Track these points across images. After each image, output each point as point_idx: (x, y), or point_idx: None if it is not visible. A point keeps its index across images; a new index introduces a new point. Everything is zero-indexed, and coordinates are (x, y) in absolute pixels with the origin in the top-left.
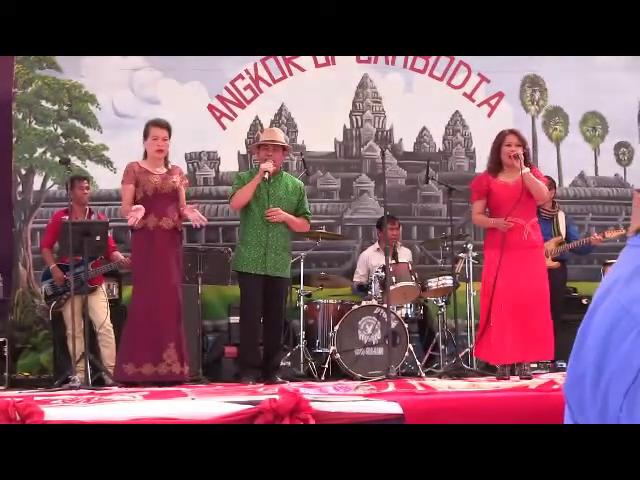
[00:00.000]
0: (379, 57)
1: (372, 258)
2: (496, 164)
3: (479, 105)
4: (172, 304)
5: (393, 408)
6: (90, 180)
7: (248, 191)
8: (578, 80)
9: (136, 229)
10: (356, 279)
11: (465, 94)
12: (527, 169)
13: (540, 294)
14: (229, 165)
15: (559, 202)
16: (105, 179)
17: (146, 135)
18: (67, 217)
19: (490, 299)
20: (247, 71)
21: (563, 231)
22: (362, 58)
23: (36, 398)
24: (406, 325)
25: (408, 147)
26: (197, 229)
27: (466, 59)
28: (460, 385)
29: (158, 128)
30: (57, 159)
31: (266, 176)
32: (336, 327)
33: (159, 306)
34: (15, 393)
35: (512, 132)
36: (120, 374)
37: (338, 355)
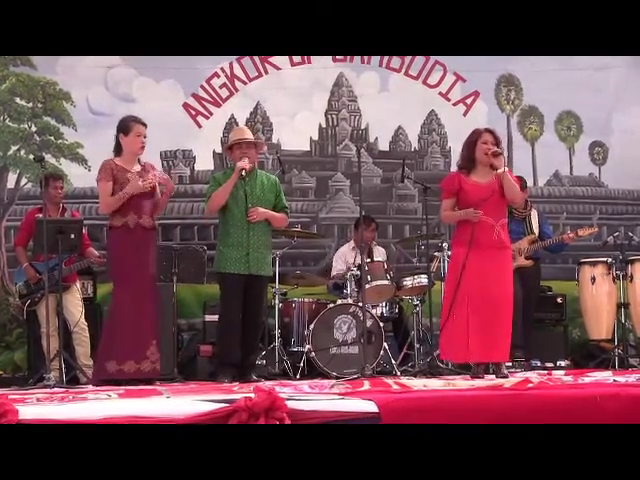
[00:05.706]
0: (355, 56)
1: (348, 255)
2: (469, 162)
3: (454, 104)
4: (153, 301)
5: (369, 406)
6: (64, 179)
7: (223, 192)
8: (553, 80)
9: (115, 227)
10: (334, 273)
11: (441, 93)
12: (506, 168)
13: (505, 296)
14: (204, 163)
15: (533, 201)
16: (80, 177)
17: (127, 131)
18: (41, 215)
19: (452, 297)
20: (222, 69)
21: (536, 230)
22: (338, 57)
23: (10, 397)
24: (381, 324)
25: (384, 146)
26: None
27: (442, 58)
28: (435, 383)
29: (141, 125)
30: (31, 157)
31: (243, 173)
32: (311, 326)
33: (141, 303)
34: None
35: (488, 130)
36: (101, 372)
37: (313, 353)
